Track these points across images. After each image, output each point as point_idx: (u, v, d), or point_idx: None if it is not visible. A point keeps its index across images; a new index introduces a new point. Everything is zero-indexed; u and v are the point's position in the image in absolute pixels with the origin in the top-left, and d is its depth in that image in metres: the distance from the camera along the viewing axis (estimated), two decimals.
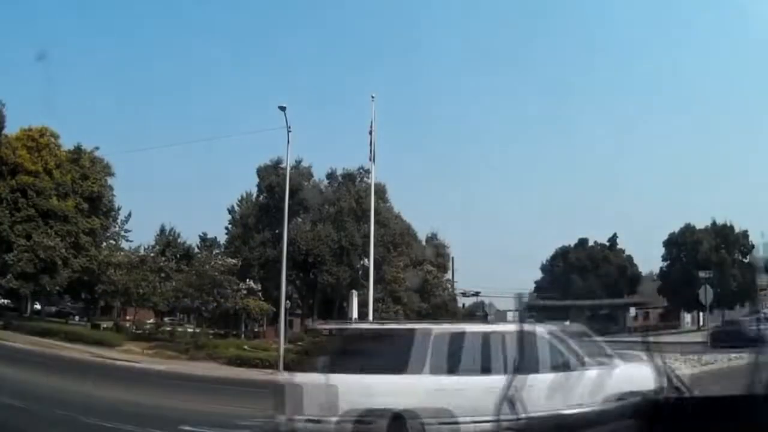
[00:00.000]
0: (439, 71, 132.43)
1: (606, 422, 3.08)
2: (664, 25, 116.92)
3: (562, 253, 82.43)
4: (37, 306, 42.07)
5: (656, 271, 76.24)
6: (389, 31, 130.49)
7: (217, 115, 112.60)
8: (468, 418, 7.46)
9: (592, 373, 8.28)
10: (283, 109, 26.16)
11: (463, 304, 68.84)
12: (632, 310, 77.49)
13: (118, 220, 45.48)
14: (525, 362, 7.32)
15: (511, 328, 9.60)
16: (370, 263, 35.31)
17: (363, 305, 34.50)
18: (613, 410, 3.23)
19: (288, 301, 34.13)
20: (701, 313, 54.88)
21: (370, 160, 35.29)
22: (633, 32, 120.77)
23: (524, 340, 7.72)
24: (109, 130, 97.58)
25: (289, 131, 26.81)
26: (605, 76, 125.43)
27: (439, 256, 54.11)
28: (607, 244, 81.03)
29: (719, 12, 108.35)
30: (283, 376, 22.89)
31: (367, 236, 35.51)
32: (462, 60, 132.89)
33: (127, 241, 46.94)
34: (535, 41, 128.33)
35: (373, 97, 34.80)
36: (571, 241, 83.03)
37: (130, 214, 47.01)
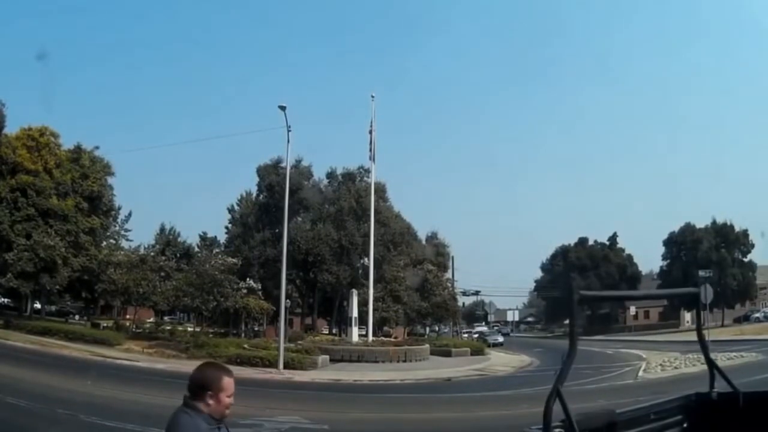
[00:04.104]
0: (440, 72, 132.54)
1: (657, 419, 3.10)
2: (665, 30, 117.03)
3: (563, 252, 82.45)
4: (37, 305, 42.02)
5: (656, 270, 76.31)
6: (391, 31, 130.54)
7: (217, 114, 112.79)
8: None
9: None
10: (283, 108, 26.18)
11: (463, 303, 69.10)
12: (632, 309, 77.56)
13: (118, 220, 45.54)
14: None
15: None
16: (370, 262, 35.35)
17: (363, 304, 34.57)
18: (663, 406, 3.23)
19: (288, 300, 34.12)
20: (701, 312, 54.60)
21: (370, 159, 35.44)
22: (635, 38, 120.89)
23: None
24: (110, 129, 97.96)
25: (289, 131, 26.83)
26: (608, 77, 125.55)
27: (439, 255, 54.13)
28: (607, 243, 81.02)
29: (724, 20, 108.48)
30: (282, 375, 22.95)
31: (367, 235, 35.54)
32: (463, 60, 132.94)
33: (127, 240, 47.04)
34: (537, 42, 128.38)
35: (373, 96, 34.94)
36: (572, 240, 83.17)
37: (130, 214, 47.11)
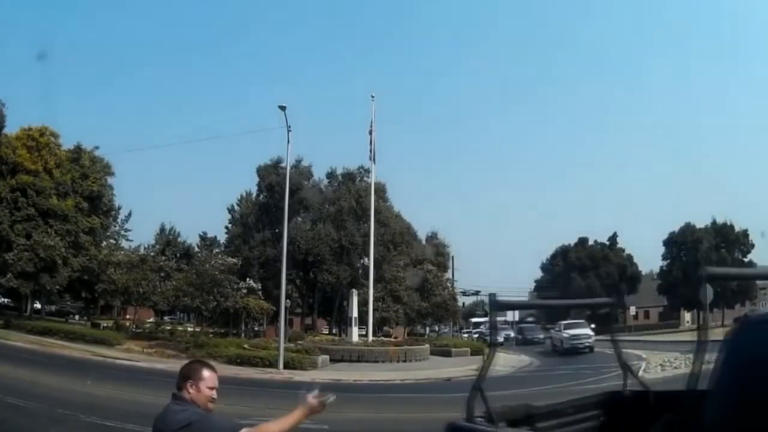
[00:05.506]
0: (440, 71, 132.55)
1: (574, 413, 3.44)
2: (667, 31, 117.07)
3: (563, 252, 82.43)
4: (37, 305, 42.04)
5: (656, 270, 76.25)
6: (391, 30, 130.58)
7: (218, 114, 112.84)
8: None
9: None
10: (283, 108, 26.21)
11: (463, 303, 69.01)
12: (632, 309, 77.64)
13: (118, 220, 45.54)
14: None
15: None
16: (370, 262, 35.37)
17: (363, 304, 34.59)
18: (580, 402, 3.58)
19: (288, 300, 34.16)
20: (701, 312, 54.87)
21: (370, 159, 35.44)
22: (634, 39, 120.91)
23: None
24: (110, 129, 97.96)
25: (289, 131, 26.87)
26: (608, 77, 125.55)
27: (439, 255, 54.16)
28: (607, 243, 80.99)
29: (722, 21, 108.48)
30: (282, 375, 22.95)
31: (367, 235, 35.56)
32: (463, 60, 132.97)
33: (127, 240, 47.02)
34: (535, 42, 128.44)
35: (373, 96, 34.95)
36: (571, 240, 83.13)
37: (130, 214, 47.07)
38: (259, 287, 39.77)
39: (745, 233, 68.22)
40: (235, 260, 35.69)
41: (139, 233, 79.69)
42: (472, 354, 36.54)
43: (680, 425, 2.85)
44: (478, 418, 2.75)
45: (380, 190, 43.78)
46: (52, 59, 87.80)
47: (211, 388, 3.11)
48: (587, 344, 32.78)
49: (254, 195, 48.28)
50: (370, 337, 34.31)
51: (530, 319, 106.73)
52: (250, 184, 49.27)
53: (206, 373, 3.13)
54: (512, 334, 60.79)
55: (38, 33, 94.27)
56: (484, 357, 2.87)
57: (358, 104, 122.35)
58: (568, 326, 37.85)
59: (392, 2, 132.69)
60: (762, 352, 2.48)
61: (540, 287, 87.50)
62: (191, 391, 3.05)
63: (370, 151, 34.58)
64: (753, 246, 67.87)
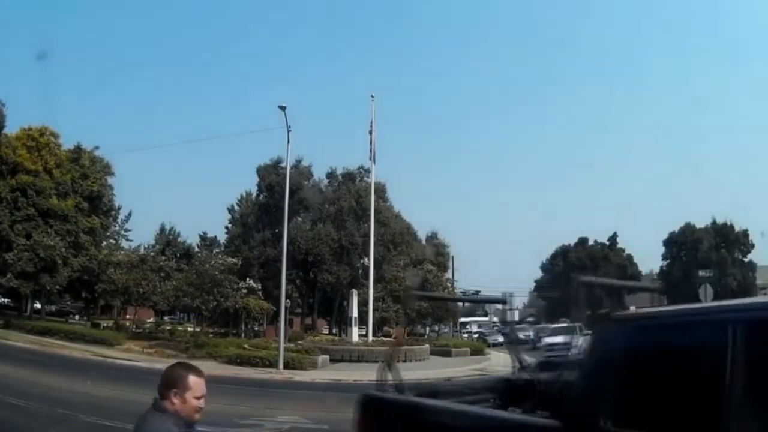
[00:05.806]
0: (440, 71, 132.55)
1: (471, 393, 3.99)
2: (667, 31, 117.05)
3: (563, 252, 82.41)
4: (37, 305, 42.01)
5: (656, 270, 76.20)
6: (391, 30, 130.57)
7: (217, 114, 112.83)
8: None
9: None
10: (283, 108, 26.20)
11: (464, 303, 68.76)
12: (632, 309, 77.43)
13: (118, 220, 45.52)
14: None
15: None
16: (370, 262, 35.37)
17: (363, 304, 34.58)
18: (478, 385, 4.36)
19: (288, 300, 34.15)
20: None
21: (370, 159, 35.43)
22: (634, 41, 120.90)
23: None
24: (110, 129, 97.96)
25: (289, 131, 26.86)
26: (608, 77, 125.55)
27: (439, 255, 54.12)
28: (607, 243, 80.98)
29: (722, 21, 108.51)
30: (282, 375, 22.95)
31: (367, 235, 35.56)
32: (463, 60, 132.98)
33: (127, 240, 46.99)
34: (535, 42, 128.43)
35: (373, 96, 34.93)
36: (572, 240, 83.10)
37: (130, 214, 47.05)
38: (259, 287, 39.75)
39: (745, 233, 68.14)
40: (235, 260, 35.69)
41: (139, 233, 79.78)
42: (472, 354, 36.54)
43: (550, 409, 3.14)
44: (389, 389, 3.18)
45: (380, 190, 43.79)
46: (52, 59, 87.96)
47: (199, 398, 2.77)
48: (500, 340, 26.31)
49: (254, 195, 48.31)
50: (370, 337, 34.30)
51: (530, 319, 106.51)
52: (250, 184, 49.35)
53: (193, 380, 2.77)
54: (531, 335, 58.06)
55: (38, 33, 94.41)
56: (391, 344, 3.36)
57: (358, 104, 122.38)
58: (554, 331, 31.52)
59: (392, 2, 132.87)
60: (618, 349, 2.76)
61: (540, 287, 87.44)
62: (175, 401, 2.73)
63: (370, 151, 34.57)
64: (753, 246, 67.83)
